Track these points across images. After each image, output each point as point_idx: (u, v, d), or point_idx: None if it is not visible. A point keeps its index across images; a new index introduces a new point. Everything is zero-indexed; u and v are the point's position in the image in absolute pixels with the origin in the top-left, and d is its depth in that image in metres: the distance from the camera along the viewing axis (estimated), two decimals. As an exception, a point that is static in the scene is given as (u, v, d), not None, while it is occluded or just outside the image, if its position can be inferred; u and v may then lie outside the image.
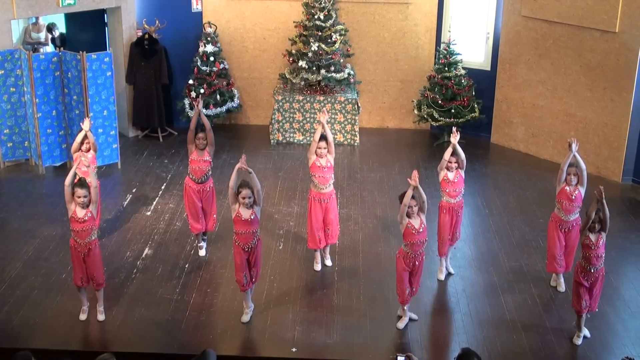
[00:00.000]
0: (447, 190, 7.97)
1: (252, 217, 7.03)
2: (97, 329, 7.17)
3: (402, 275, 7.11)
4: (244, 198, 6.98)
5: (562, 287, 7.93)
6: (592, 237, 6.84)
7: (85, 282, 7.17)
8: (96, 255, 7.14)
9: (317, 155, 8.02)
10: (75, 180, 7.08)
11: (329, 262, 8.39)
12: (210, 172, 8.31)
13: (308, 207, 8.23)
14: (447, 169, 7.93)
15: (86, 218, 7.01)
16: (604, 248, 6.90)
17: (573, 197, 7.63)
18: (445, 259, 8.21)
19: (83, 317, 7.25)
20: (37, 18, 13.54)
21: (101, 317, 7.30)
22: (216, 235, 8.93)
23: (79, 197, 6.98)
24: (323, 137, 8.03)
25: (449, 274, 8.21)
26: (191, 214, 8.39)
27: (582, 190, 7.69)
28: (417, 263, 7.08)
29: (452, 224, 8.06)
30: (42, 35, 13.90)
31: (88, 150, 8.46)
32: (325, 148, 8.01)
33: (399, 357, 6.69)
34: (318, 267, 8.29)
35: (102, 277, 7.28)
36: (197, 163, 8.21)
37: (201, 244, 8.60)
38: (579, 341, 7.07)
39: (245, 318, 7.32)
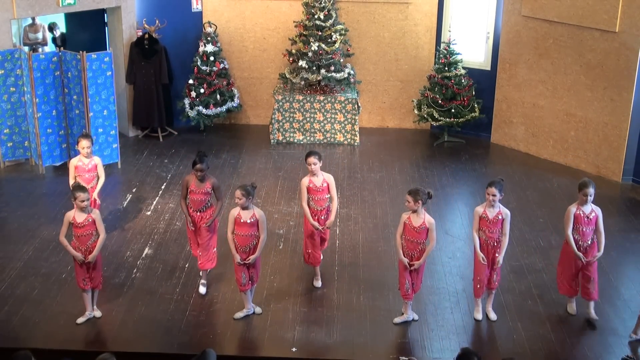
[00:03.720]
0: (483, 229, 7.17)
1: (251, 220, 7.04)
2: (97, 329, 7.17)
3: (401, 269, 7.15)
4: (236, 198, 7.01)
5: (574, 310, 7.51)
6: None
7: (89, 283, 7.16)
8: (97, 258, 7.14)
9: (309, 173, 7.68)
10: (73, 183, 7.07)
11: (318, 283, 7.97)
12: (209, 203, 7.67)
13: (304, 223, 7.94)
14: (488, 205, 7.16)
15: (86, 223, 7.00)
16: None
17: (590, 219, 7.15)
18: (485, 300, 7.49)
19: (81, 320, 7.23)
20: (33, 19, 13.54)
21: (98, 313, 7.32)
22: (216, 234, 8.93)
23: (81, 200, 6.96)
24: (314, 153, 7.66)
25: (487, 318, 7.48)
26: (192, 239, 7.86)
27: (598, 212, 7.19)
28: (412, 259, 7.08)
29: (488, 263, 7.25)
30: (40, 35, 13.92)
31: (88, 155, 8.32)
32: (315, 164, 7.60)
33: (401, 359, 6.72)
34: (318, 283, 7.93)
35: (100, 279, 7.29)
36: (195, 195, 7.59)
37: (203, 281, 7.85)
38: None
39: (238, 315, 7.33)
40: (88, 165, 8.34)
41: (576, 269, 7.30)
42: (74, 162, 8.40)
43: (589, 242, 7.23)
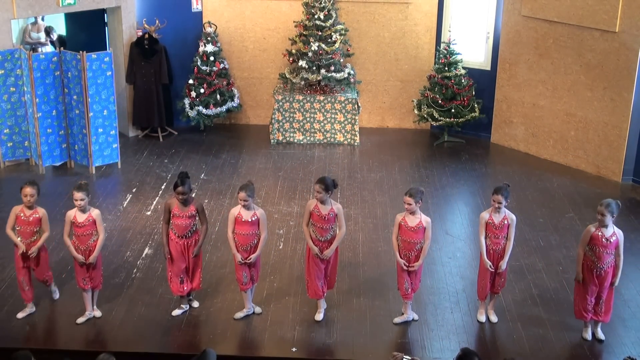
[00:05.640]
0: (489, 235, 7.07)
1: (252, 219, 7.04)
2: (97, 329, 7.17)
3: (399, 270, 7.16)
4: (240, 200, 7.00)
5: (589, 335, 7.13)
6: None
7: (89, 283, 7.17)
8: (97, 258, 7.14)
9: (316, 199, 7.06)
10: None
11: (319, 317, 7.36)
12: (195, 227, 7.16)
13: (306, 251, 7.36)
14: (494, 210, 7.03)
15: (86, 223, 7.01)
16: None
17: (610, 242, 6.73)
18: (487, 303, 7.42)
19: (81, 320, 7.23)
20: (36, 18, 13.53)
21: (97, 313, 7.32)
22: (216, 234, 8.93)
23: (77, 200, 6.96)
24: (321, 182, 7.00)
25: (489, 320, 7.41)
26: (173, 271, 7.24)
27: (619, 236, 6.76)
28: (410, 259, 7.07)
29: (495, 269, 7.17)
30: (42, 35, 13.90)
31: (30, 205, 7.03)
32: (319, 193, 6.97)
33: (404, 358, 6.69)
34: (320, 316, 7.35)
35: (100, 279, 7.30)
36: (179, 219, 7.06)
37: (185, 305, 7.42)
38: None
39: (239, 315, 7.34)
40: (29, 217, 7.11)
41: (591, 294, 6.90)
42: (15, 210, 7.11)
43: (606, 267, 6.81)
